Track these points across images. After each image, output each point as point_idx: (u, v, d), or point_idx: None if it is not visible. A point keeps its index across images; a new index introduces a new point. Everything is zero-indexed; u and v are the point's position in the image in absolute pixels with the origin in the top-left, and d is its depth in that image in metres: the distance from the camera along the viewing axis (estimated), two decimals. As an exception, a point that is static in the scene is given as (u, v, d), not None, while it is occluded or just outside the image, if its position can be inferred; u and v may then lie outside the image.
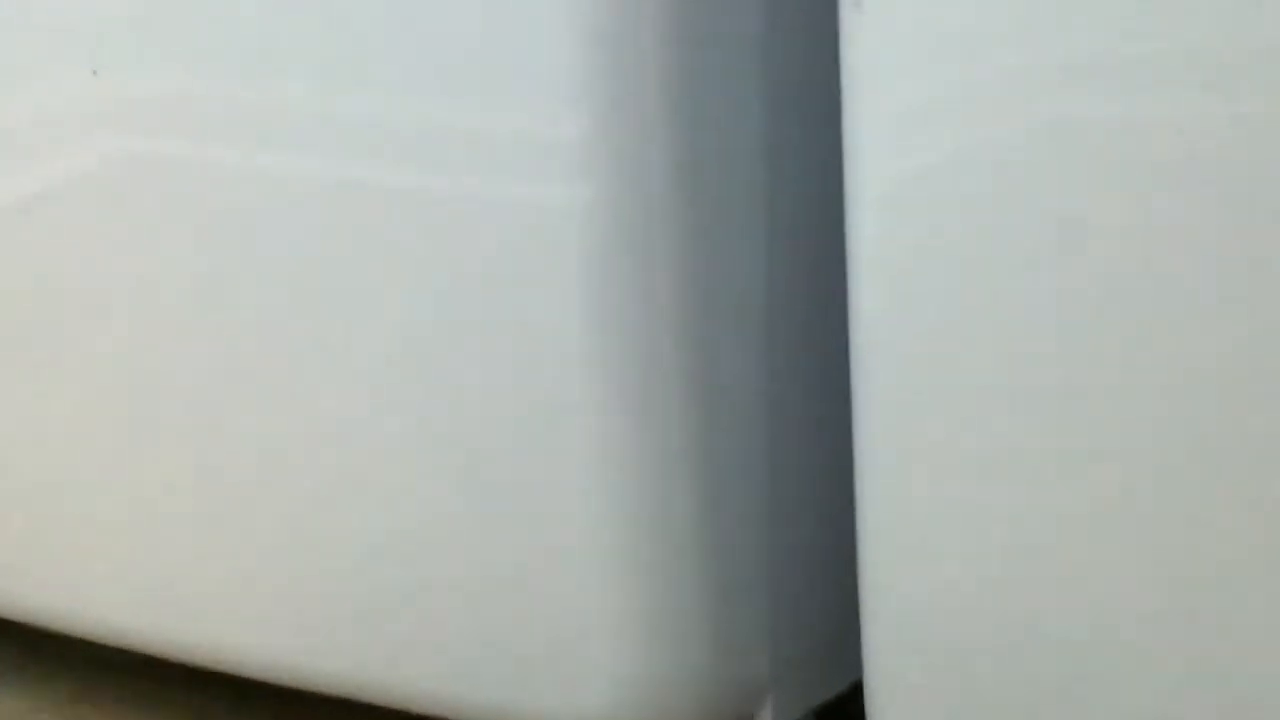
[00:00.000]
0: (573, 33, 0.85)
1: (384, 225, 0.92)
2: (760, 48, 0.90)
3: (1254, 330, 0.75)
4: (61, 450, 1.05)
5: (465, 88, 0.88)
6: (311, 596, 1.00)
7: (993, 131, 0.77)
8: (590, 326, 0.89)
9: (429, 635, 0.98)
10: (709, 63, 0.88)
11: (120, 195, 0.98)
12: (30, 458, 1.06)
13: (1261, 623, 0.77)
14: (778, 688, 0.97)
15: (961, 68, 0.77)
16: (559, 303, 0.89)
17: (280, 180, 0.94)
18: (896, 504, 0.84)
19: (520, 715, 0.96)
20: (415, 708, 1.00)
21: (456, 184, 0.89)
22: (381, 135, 0.91)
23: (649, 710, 0.94)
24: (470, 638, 0.97)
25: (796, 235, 0.94)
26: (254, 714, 1.11)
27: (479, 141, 0.88)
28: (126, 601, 1.05)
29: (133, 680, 1.14)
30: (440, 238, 0.91)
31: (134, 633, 1.06)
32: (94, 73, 0.96)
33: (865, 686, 0.88)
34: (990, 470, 0.81)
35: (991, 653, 0.84)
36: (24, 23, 0.98)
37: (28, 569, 1.08)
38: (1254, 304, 0.75)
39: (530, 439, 0.92)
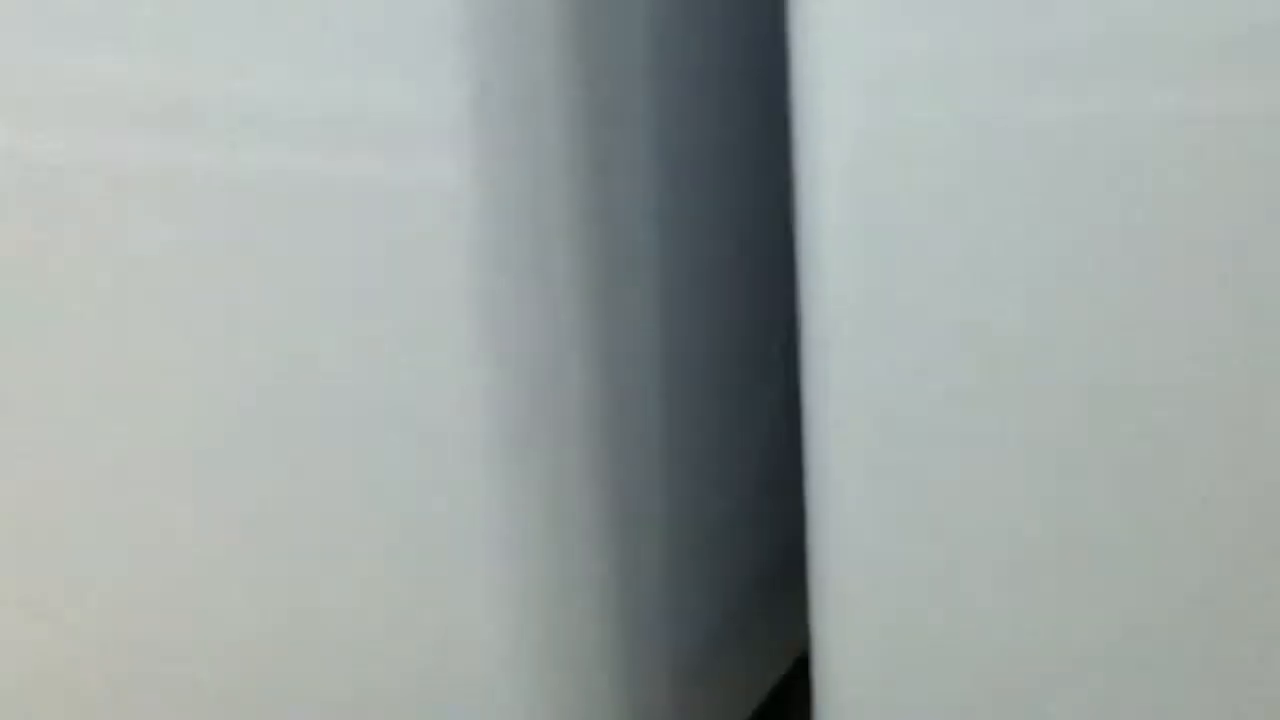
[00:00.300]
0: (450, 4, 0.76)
1: (243, 214, 0.81)
2: (655, 18, 0.84)
3: (1234, 324, 0.74)
4: None
5: (333, 62, 0.78)
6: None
7: (974, 109, 0.73)
8: (477, 314, 0.80)
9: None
10: (599, 35, 0.81)
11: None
12: None
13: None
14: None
15: (929, 43, 0.72)
16: (443, 289, 0.80)
17: (125, 169, 0.81)
18: (852, 515, 0.81)
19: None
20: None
21: (327, 165, 0.79)
22: (242, 116, 0.79)
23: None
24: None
25: (701, 218, 0.89)
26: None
27: (349, 119, 0.78)
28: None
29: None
30: (310, 226, 0.80)
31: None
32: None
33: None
34: (969, 492, 0.79)
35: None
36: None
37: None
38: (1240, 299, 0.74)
39: (412, 445, 0.83)
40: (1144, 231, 0.73)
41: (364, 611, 0.87)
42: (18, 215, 0.84)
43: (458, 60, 0.76)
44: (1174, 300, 0.74)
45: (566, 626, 0.87)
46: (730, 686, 0.99)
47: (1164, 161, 0.71)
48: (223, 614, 0.89)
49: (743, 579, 0.98)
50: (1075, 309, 0.75)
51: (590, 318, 0.83)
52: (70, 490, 0.89)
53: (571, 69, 0.79)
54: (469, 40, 0.76)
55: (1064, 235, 0.74)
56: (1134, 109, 0.71)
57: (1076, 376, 0.76)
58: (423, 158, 0.78)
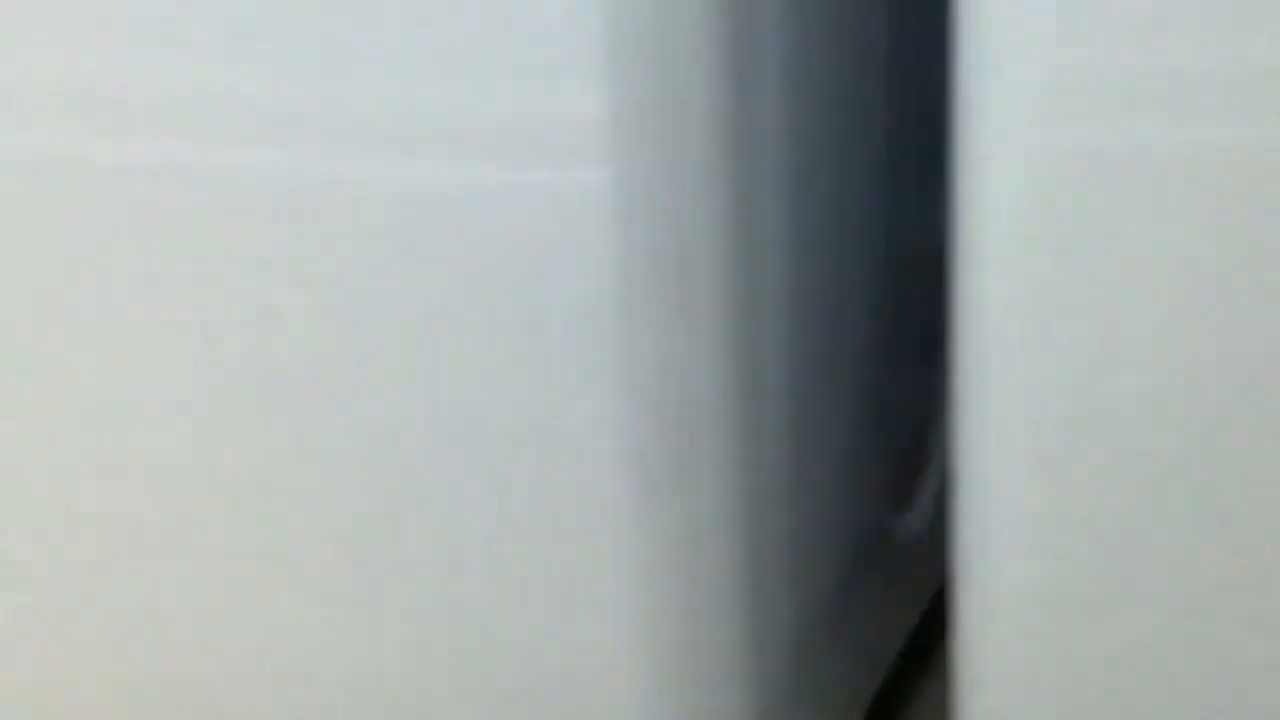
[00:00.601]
0: (594, 5, 0.75)
1: (382, 222, 0.79)
2: (798, 26, 0.83)
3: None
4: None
5: (476, 70, 0.76)
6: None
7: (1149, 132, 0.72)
8: (617, 322, 0.79)
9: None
10: (742, 40, 0.79)
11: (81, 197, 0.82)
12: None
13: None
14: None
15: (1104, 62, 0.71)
16: (583, 296, 0.79)
17: (272, 178, 0.80)
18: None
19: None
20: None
21: (471, 174, 0.78)
22: (381, 122, 0.78)
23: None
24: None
25: (840, 228, 0.89)
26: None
27: (490, 125, 0.77)
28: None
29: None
30: (450, 235, 0.79)
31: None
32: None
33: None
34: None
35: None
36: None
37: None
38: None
39: (545, 453, 0.82)
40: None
41: (492, 614, 0.87)
42: (156, 219, 0.82)
43: (600, 67, 0.75)
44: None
45: (692, 625, 0.87)
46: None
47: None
48: (352, 630, 0.88)
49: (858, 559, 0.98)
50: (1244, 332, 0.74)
51: (727, 325, 0.82)
52: (180, 501, 0.87)
53: (714, 75, 0.78)
54: (611, 46, 0.75)
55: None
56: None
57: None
58: (565, 165, 0.77)
